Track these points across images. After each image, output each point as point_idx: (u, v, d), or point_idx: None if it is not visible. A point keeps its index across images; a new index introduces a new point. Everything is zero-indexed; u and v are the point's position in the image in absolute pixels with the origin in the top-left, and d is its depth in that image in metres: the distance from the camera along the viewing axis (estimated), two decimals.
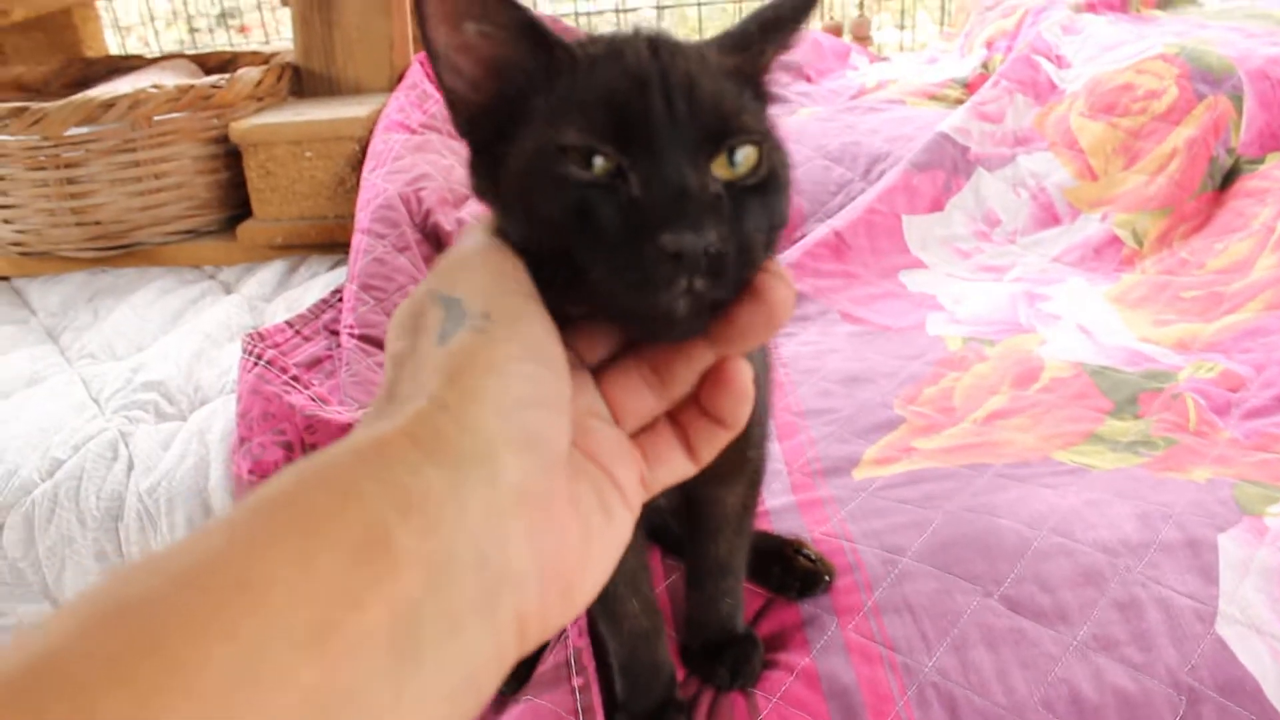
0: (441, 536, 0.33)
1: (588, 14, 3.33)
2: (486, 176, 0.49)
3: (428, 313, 0.41)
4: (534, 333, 0.40)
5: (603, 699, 0.80)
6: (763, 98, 0.51)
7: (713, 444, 0.48)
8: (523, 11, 0.47)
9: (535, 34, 0.47)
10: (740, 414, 0.47)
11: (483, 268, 0.42)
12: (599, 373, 0.47)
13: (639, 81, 0.44)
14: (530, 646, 0.38)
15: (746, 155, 0.46)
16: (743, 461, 0.76)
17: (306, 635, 0.28)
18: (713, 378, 0.46)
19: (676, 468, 0.47)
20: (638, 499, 0.45)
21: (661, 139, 0.43)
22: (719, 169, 0.45)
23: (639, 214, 0.42)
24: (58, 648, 0.26)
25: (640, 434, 0.47)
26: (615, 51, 0.47)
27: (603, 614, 0.80)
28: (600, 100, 0.45)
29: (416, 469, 0.34)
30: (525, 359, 0.39)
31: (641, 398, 0.47)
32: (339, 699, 0.29)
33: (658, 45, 0.47)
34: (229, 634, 0.27)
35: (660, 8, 3.17)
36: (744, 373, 0.46)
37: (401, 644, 0.31)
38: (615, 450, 0.45)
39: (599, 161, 0.44)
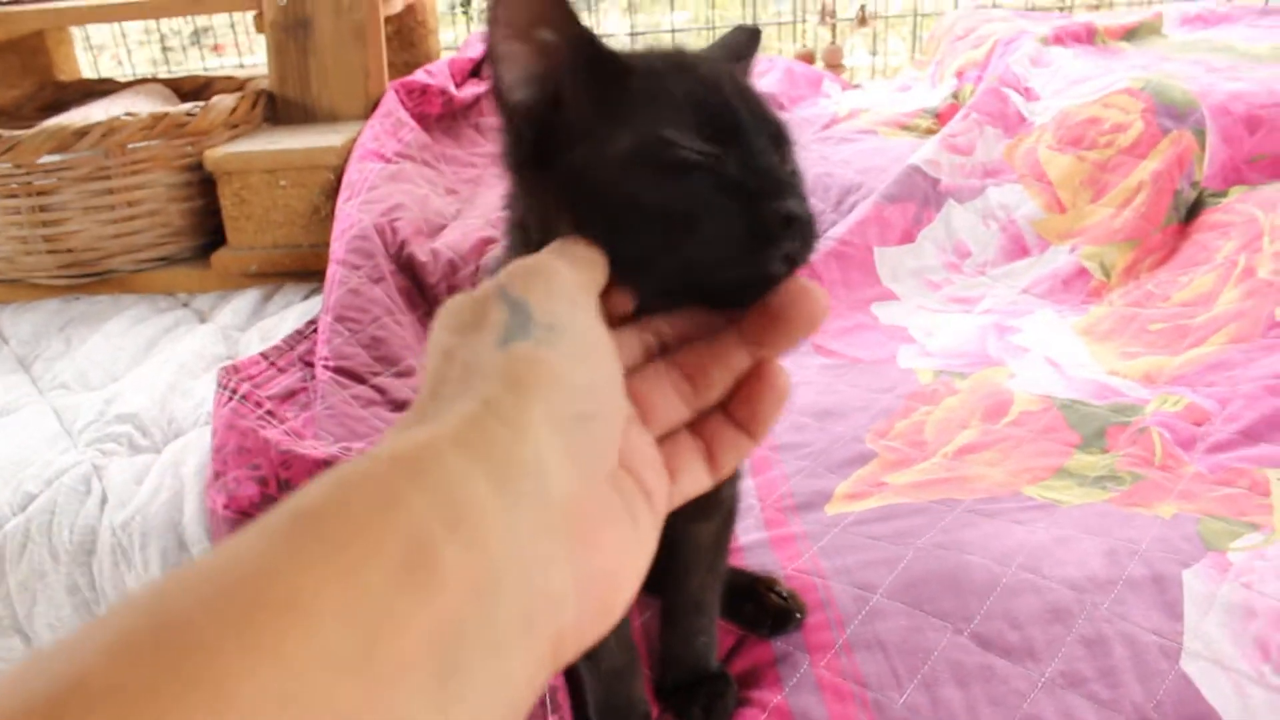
0: (488, 552, 0.32)
1: None
2: (536, 181, 0.55)
3: (491, 312, 0.39)
4: (598, 349, 0.40)
5: None
6: None
7: (736, 454, 0.48)
8: (583, 26, 0.52)
9: (594, 44, 0.52)
10: (771, 420, 0.48)
11: (556, 277, 0.41)
12: (629, 375, 0.46)
13: (719, 87, 0.52)
14: (565, 662, 0.37)
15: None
16: (717, 498, 0.78)
17: (350, 657, 0.27)
18: (753, 377, 0.47)
19: (698, 479, 0.47)
20: (664, 508, 0.45)
21: (749, 131, 0.50)
22: None
23: (744, 189, 0.49)
24: (89, 670, 0.24)
25: (662, 442, 0.47)
26: (676, 63, 0.54)
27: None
28: (691, 104, 0.51)
29: (465, 477, 0.32)
30: (587, 374, 0.39)
31: (670, 403, 0.47)
32: None
33: (698, 59, 0.55)
34: (273, 657, 0.26)
35: (634, 34, 3.19)
36: (784, 374, 0.47)
37: (444, 666, 0.29)
38: (646, 456, 0.44)
39: (695, 154, 0.49)
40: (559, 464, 0.36)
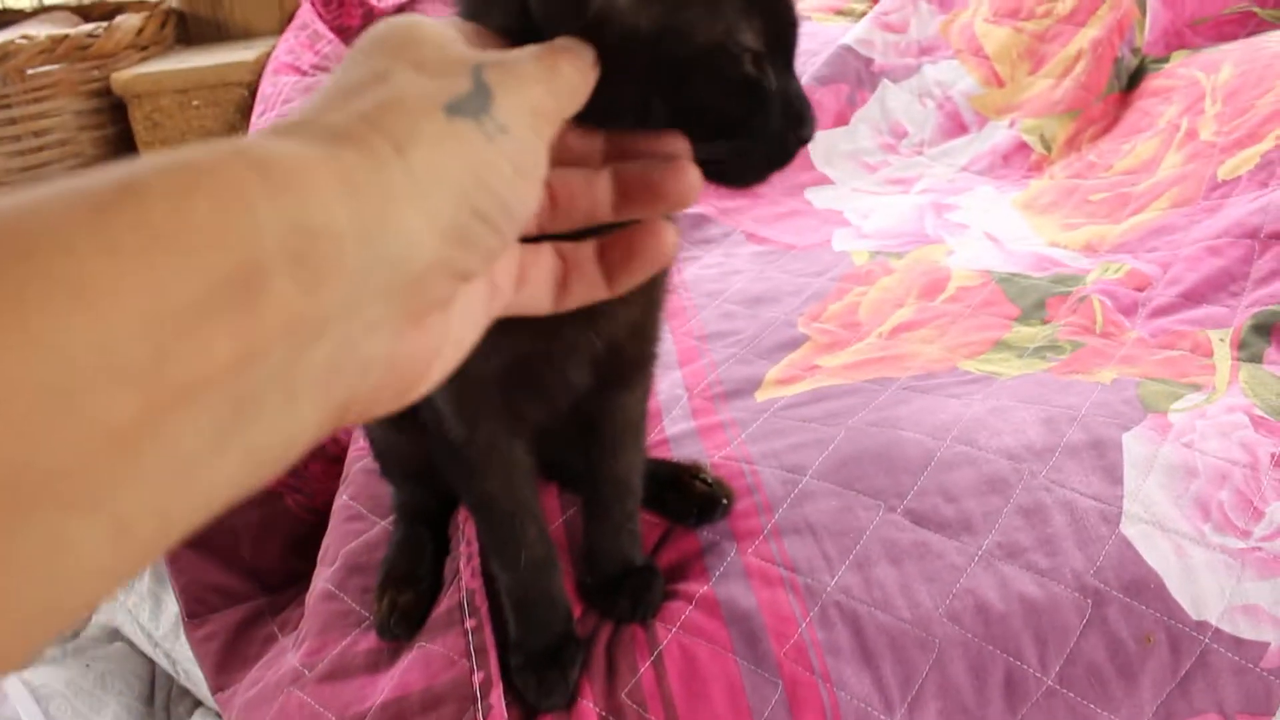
0: (321, 299, 0.29)
1: None
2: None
3: (452, 76, 0.37)
4: (531, 176, 0.38)
5: (496, 640, 0.78)
6: None
7: (587, 294, 0.47)
8: None
9: None
10: (638, 276, 0.47)
11: (532, 91, 0.39)
12: None
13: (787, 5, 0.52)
14: (340, 426, 0.34)
15: None
16: (650, 354, 0.75)
17: (137, 366, 0.24)
18: (638, 230, 0.47)
19: (540, 298, 0.47)
20: (499, 310, 0.44)
21: (790, 49, 0.52)
22: None
23: (780, 113, 0.50)
24: None
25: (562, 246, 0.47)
26: None
27: (497, 546, 0.77)
28: (768, 10, 0.50)
29: (329, 209, 0.29)
30: (510, 186, 0.36)
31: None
32: (152, 444, 0.24)
33: None
34: (47, 344, 0.22)
35: None
36: (671, 239, 0.47)
37: (237, 401, 0.27)
38: (507, 256, 0.43)
39: (749, 57, 0.49)
40: (430, 241, 0.33)
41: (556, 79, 0.41)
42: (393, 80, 0.35)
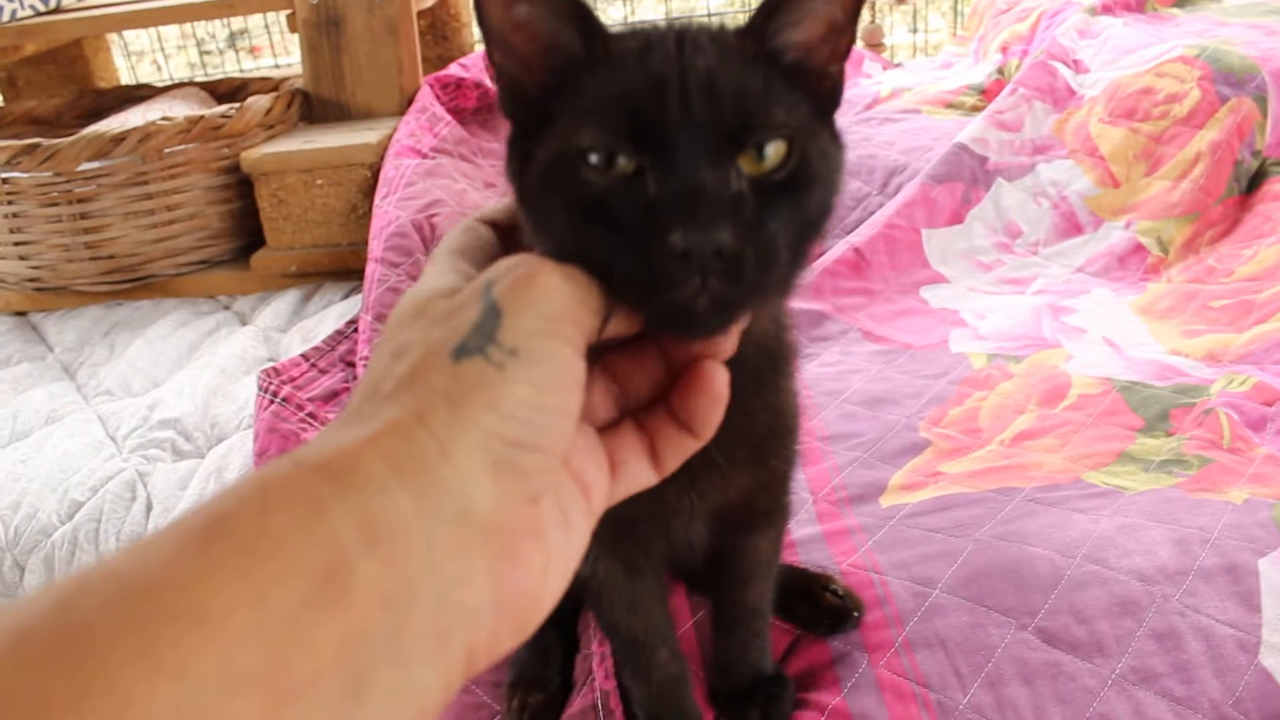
0: (403, 570, 0.31)
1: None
2: (519, 162, 0.49)
3: (465, 308, 0.38)
4: (559, 386, 0.38)
5: None
6: (801, 86, 0.49)
7: (680, 452, 0.46)
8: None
9: (582, 19, 0.47)
10: (711, 420, 0.45)
11: (548, 298, 0.39)
12: None
13: (658, 82, 0.44)
14: (478, 671, 0.36)
15: (775, 149, 0.45)
16: (779, 507, 0.75)
17: (256, 675, 0.27)
18: (686, 380, 0.45)
19: (641, 475, 0.46)
20: (602, 504, 0.43)
21: (677, 139, 0.43)
22: (747, 165, 0.45)
23: (653, 213, 0.42)
24: None
25: (604, 435, 0.45)
26: (645, 48, 0.46)
27: (629, 665, 0.78)
28: (620, 101, 0.44)
29: (387, 492, 0.32)
30: (536, 409, 0.37)
31: (602, 402, 0.46)
32: None
33: (684, 40, 0.47)
34: (178, 672, 0.26)
35: (669, 16, 3.15)
36: (719, 376, 0.45)
37: (350, 683, 0.29)
38: (587, 451, 0.43)
39: (620, 162, 0.44)
40: (483, 485, 0.35)
41: (579, 276, 0.41)
42: (408, 351, 0.38)
